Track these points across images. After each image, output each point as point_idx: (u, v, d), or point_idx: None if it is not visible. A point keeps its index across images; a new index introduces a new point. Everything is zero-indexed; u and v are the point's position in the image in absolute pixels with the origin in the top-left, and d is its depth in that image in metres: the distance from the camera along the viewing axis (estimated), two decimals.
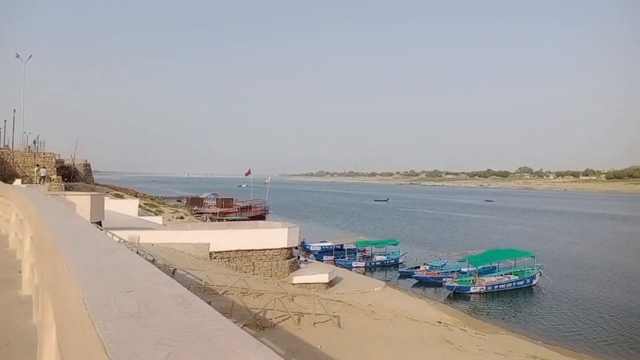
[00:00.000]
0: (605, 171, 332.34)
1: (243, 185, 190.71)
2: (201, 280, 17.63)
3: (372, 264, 42.06)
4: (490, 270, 36.18)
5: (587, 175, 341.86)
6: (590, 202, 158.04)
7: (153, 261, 19.51)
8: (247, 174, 77.00)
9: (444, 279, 34.45)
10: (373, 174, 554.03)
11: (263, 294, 16.90)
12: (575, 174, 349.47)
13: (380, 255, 43.69)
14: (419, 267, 38.45)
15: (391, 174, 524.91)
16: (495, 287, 33.66)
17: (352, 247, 43.82)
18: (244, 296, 15.93)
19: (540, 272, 36.05)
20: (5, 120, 50.47)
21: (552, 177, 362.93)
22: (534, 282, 35.12)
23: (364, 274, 38.42)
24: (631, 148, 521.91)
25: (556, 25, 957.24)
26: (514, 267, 36.66)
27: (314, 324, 14.86)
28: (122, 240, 22.37)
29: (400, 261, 43.07)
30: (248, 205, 77.36)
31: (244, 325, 13.17)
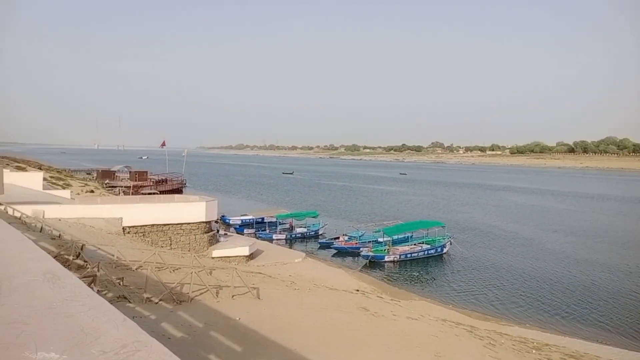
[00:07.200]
0: (509, 146, 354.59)
1: (144, 157, 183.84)
2: (113, 256, 16.82)
3: (293, 236, 42.38)
4: (404, 240, 37.79)
5: (493, 150, 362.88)
6: (496, 175, 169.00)
7: (59, 237, 18.31)
8: (162, 146, 73.96)
9: (361, 249, 35.51)
10: (294, 148, 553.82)
11: (179, 268, 16.44)
12: (482, 149, 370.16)
13: (301, 227, 44.10)
14: (338, 237, 39.31)
15: (311, 148, 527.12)
16: (409, 255, 35.23)
17: (273, 219, 43.87)
18: (159, 271, 15.42)
19: (451, 241, 38.19)
20: None
21: (461, 152, 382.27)
22: (445, 250, 37.13)
23: (284, 246, 38.66)
24: (532, 125, 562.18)
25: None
26: (426, 236, 38.48)
27: (233, 296, 14.71)
28: (24, 215, 20.78)
29: (320, 232, 43.73)
30: (164, 178, 74.62)
31: (160, 300, 12.75)
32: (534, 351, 15.13)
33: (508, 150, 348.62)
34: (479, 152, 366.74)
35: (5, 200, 21.72)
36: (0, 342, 1.10)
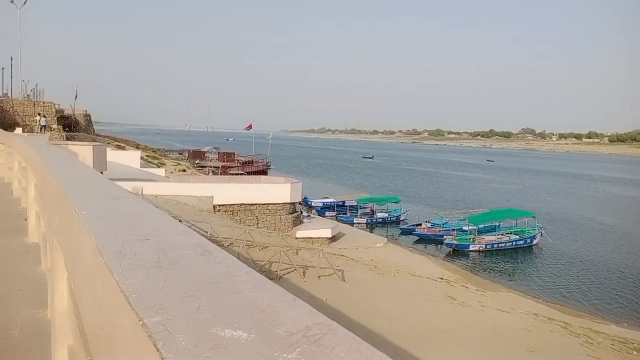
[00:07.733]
0: (608, 134, 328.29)
1: (230, 139, 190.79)
2: (206, 232, 17.70)
3: (374, 220, 42.29)
4: (491, 229, 36.41)
5: (590, 137, 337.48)
6: (592, 164, 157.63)
7: None
8: (247, 129, 76.18)
9: (444, 237, 34.68)
10: (375, 132, 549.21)
11: (268, 247, 17.01)
12: (578, 136, 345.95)
13: (382, 212, 43.86)
14: (420, 224, 38.67)
15: (393, 132, 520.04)
16: (495, 245, 33.94)
17: (354, 203, 43.98)
18: (250, 248, 16.03)
19: (541, 232, 36.27)
20: (3, 68, 49.43)
21: (554, 139, 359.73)
22: (535, 241, 35.35)
23: (365, 230, 38.64)
24: (635, 111, 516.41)
25: None
26: (515, 226, 36.78)
27: (319, 277, 15.00)
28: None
29: (401, 218, 43.28)
30: (250, 160, 77.02)
31: None
32: (634, 352, 14.09)
33: (607, 138, 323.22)
34: (574, 139, 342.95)
35: (108, 177, 23.46)
36: (182, 317, 1.13)
